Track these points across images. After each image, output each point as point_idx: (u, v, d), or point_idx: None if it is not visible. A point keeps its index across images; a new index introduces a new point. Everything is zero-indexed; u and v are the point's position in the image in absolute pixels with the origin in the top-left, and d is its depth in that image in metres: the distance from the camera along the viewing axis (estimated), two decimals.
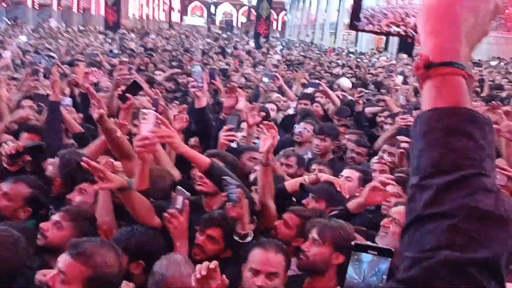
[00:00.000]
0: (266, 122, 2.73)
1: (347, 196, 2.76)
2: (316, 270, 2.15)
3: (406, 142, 3.46)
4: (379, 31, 18.83)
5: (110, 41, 15.05)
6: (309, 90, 6.06)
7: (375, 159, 3.71)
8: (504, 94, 8.19)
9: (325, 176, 2.93)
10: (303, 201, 2.78)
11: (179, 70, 7.99)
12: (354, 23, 19.28)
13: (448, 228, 0.62)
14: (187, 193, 2.28)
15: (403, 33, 18.19)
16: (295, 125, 4.37)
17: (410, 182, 0.70)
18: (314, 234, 2.17)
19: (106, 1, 21.13)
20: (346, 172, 3.15)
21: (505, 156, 3.39)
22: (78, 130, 3.53)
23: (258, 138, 3.35)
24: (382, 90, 7.48)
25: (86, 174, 2.70)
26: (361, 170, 3.21)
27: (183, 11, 47.94)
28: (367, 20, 18.94)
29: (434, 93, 0.70)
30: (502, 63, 16.32)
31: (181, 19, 46.59)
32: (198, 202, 2.70)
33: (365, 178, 3.08)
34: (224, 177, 2.32)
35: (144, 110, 2.39)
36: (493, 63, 15.90)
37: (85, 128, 3.63)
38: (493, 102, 3.96)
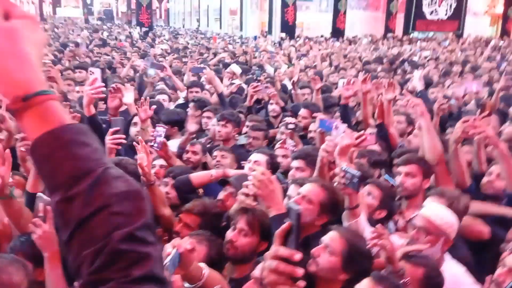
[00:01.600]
0: (140, 139, 2.70)
1: None
2: (243, 259, 2.21)
3: (292, 123, 3.73)
4: None
5: None
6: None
7: (278, 144, 3.81)
8: (379, 68, 8.98)
9: (232, 171, 3.00)
10: (222, 197, 2.78)
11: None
12: None
13: (108, 216, 0.74)
14: (48, 199, 2.09)
15: None
16: (211, 125, 4.27)
17: (51, 202, 0.79)
18: (242, 224, 2.22)
19: None
20: (254, 156, 3.21)
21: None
22: None
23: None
24: (264, 74, 7.80)
25: None
26: (268, 153, 3.29)
27: (56, 3, 44.48)
28: None
29: (39, 119, 0.78)
30: (367, 40, 17.71)
31: (54, 12, 43.24)
32: None
33: (272, 162, 3.19)
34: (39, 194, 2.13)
35: None
36: (364, 41, 17.27)
37: None
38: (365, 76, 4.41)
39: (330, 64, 9.84)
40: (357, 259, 2.05)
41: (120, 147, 3.09)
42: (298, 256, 1.11)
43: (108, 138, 2.98)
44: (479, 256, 2.56)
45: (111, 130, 3.02)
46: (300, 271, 1.12)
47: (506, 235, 2.51)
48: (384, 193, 2.75)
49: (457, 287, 2.15)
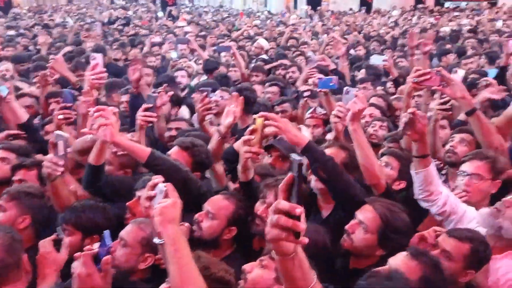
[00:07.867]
0: (236, 94, 2.65)
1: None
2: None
3: (307, 90, 3.72)
4: None
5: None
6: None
7: (308, 114, 3.72)
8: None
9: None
10: (270, 161, 2.82)
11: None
12: None
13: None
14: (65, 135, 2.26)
15: None
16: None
17: None
18: (271, 199, 2.17)
19: None
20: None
21: None
22: None
23: None
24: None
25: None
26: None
27: None
28: None
29: None
30: (397, 12, 17.05)
31: None
32: None
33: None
34: None
35: None
36: (394, 12, 16.70)
37: None
38: None
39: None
40: (393, 236, 1.98)
41: (150, 125, 2.97)
42: (299, 210, 1.07)
43: (140, 113, 2.81)
44: None
45: (144, 105, 2.82)
46: (302, 226, 1.07)
47: None
48: (402, 164, 2.67)
49: None
